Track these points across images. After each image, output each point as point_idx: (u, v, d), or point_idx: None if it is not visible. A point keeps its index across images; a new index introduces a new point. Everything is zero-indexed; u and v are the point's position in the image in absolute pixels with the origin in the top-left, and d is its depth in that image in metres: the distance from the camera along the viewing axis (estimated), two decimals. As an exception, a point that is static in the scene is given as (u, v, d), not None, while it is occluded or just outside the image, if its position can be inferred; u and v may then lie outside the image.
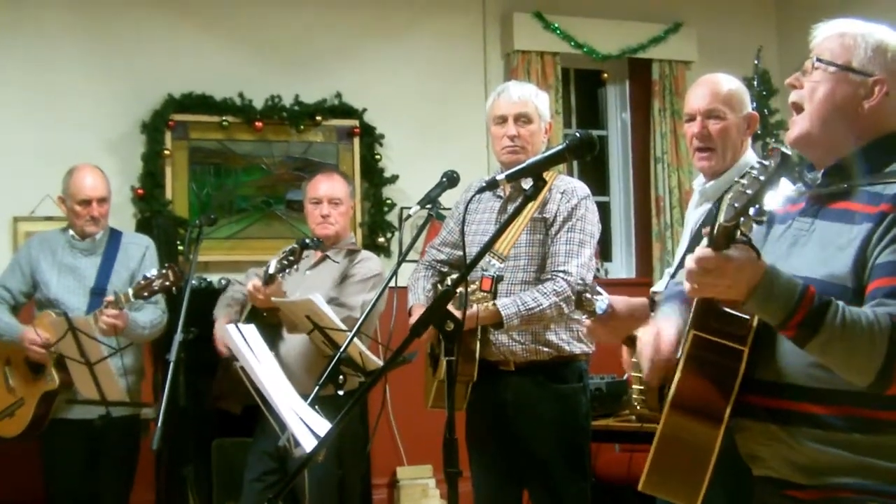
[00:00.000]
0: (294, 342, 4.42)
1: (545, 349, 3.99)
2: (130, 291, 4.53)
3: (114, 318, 4.51)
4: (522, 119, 4.06)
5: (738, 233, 2.02)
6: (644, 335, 2.52)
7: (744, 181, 2.00)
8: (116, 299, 4.53)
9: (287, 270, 4.26)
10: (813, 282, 2.14)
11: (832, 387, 2.16)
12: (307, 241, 4.37)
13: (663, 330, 2.48)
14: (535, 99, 4.12)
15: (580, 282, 3.45)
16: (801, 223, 2.32)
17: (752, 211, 1.97)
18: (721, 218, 2.02)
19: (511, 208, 4.07)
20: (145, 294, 4.53)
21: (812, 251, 2.25)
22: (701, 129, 3.40)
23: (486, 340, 3.94)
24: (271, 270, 4.25)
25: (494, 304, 3.84)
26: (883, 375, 2.06)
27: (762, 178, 1.97)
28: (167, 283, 4.51)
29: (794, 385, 2.21)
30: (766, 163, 1.99)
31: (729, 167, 3.38)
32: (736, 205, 1.98)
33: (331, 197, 4.63)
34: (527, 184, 3.00)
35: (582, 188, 4.08)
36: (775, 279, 2.07)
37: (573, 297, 3.87)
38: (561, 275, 3.90)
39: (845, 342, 2.05)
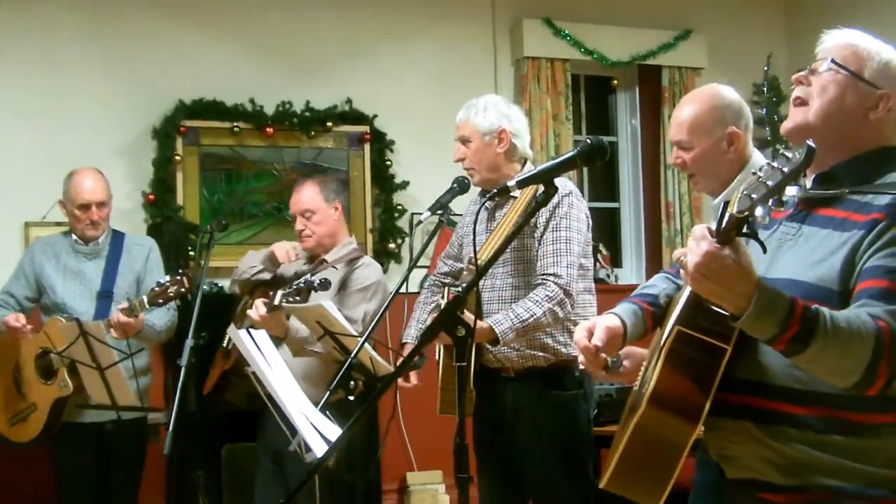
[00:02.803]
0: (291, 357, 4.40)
1: (541, 354, 3.97)
2: (145, 299, 4.53)
3: (125, 323, 4.51)
4: (466, 142, 4.11)
5: (746, 226, 1.99)
6: (580, 324, 2.57)
7: (761, 173, 1.97)
8: (131, 307, 4.53)
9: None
10: (800, 284, 2.16)
11: (814, 388, 2.17)
12: (316, 283, 4.29)
13: (598, 323, 2.53)
14: (472, 118, 4.10)
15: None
16: (787, 227, 2.34)
17: (771, 202, 1.93)
18: (733, 208, 1.99)
19: (498, 215, 4.09)
20: (160, 301, 4.52)
21: (800, 255, 2.26)
22: (675, 159, 3.43)
23: (480, 347, 3.91)
24: (276, 301, 4.23)
25: (487, 322, 3.79)
26: (866, 378, 2.07)
27: (786, 169, 1.94)
28: (182, 290, 4.51)
29: (776, 385, 2.22)
30: (790, 154, 1.96)
31: (720, 186, 3.36)
32: (753, 195, 1.95)
33: (301, 210, 4.62)
34: (514, 191, 3.04)
35: (563, 185, 3.99)
36: (766, 295, 2.06)
37: (566, 300, 3.87)
38: (551, 279, 3.86)
39: (835, 351, 2.06)
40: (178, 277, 4.52)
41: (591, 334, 2.50)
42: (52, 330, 4.64)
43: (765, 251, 2.09)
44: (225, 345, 4.73)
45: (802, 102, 2.36)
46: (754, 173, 1.99)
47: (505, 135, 4.08)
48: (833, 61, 2.33)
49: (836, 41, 2.39)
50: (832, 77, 2.33)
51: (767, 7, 8.00)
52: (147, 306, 4.54)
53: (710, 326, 2.21)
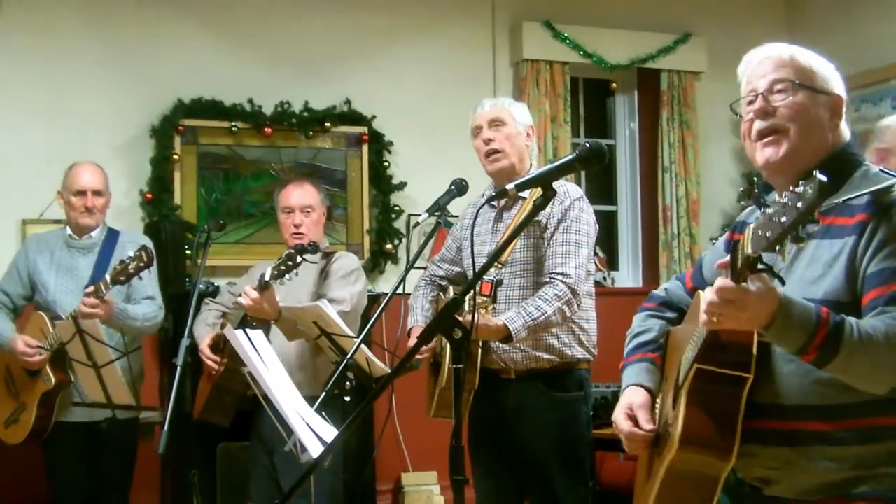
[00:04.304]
0: (283, 343, 4.41)
1: (546, 356, 3.98)
2: (108, 278, 4.51)
3: (92, 306, 4.49)
4: (496, 123, 4.11)
5: (760, 262, 1.99)
6: (617, 413, 2.52)
7: (770, 210, 1.94)
8: (96, 288, 4.51)
9: (287, 276, 4.23)
10: (811, 302, 2.14)
11: (836, 401, 2.17)
12: (307, 245, 4.35)
13: (635, 405, 2.49)
14: (508, 105, 4.18)
15: None
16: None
17: (789, 238, 1.90)
18: (748, 248, 1.97)
19: (507, 216, 4.10)
20: (122, 279, 4.49)
21: (798, 273, 2.26)
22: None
23: (486, 348, 3.94)
24: (267, 277, 4.23)
25: (500, 319, 3.80)
26: None
27: (800, 205, 1.88)
28: (141, 265, 4.48)
29: (798, 405, 2.22)
30: (800, 190, 1.89)
31: None
32: (768, 234, 1.92)
33: (303, 205, 4.65)
34: (523, 192, 3.05)
35: (574, 189, 4.07)
36: (791, 306, 2.06)
37: (573, 300, 3.89)
38: (559, 277, 3.88)
39: (866, 356, 2.06)
40: (138, 253, 4.51)
41: (633, 420, 2.48)
42: (41, 324, 4.63)
43: (783, 284, 2.08)
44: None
45: (776, 131, 2.34)
46: (763, 211, 1.98)
47: (532, 132, 4.20)
48: (796, 83, 2.33)
49: (769, 59, 2.39)
50: (798, 99, 2.33)
51: (767, 11, 8.00)
52: (111, 285, 4.51)
53: (729, 359, 2.22)
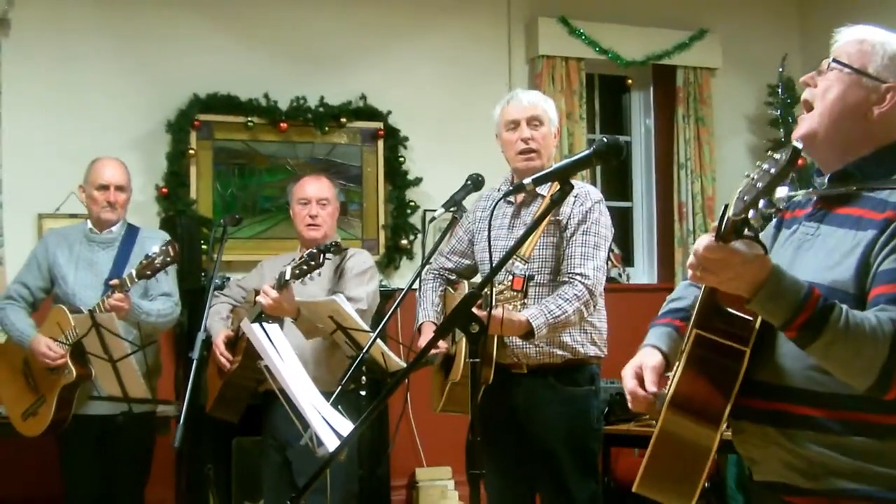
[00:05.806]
0: (301, 341, 4.40)
1: (559, 352, 4.00)
2: (134, 272, 4.52)
3: (119, 300, 4.51)
4: (535, 122, 4.09)
5: (746, 228, 2.01)
6: (626, 370, 2.49)
7: (754, 175, 1.99)
8: (122, 282, 4.52)
9: (309, 275, 4.22)
10: (818, 287, 2.14)
11: (832, 390, 2.16)
12: (330, 245, 4.34)
13: (645, 366, 2.46)
14: (543, 103, 4.16)
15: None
16: (806, 227, 2.33)
17: (762, 204, 1.96)
18: (730, 211, 2.01)
19: (525, 213, 4.09)
20: (148, 273, 4.50)
21: (817, 256, 2.26)
22: None
23: (501, 343, 3.94)
24: (287, 276, 4.22)
25: (524, 316, 3.80)
26: (882, 380, 2.06)
27: (773, 171, 1.96)
28: (168, 260, 4.50)
29: (792, 388, 2.22)
30: (777, 156, 1.98)
31: None
32: (746, 198, 1.97)
33: (319, 197, 4.65)
34: (542, 189, 3.01)
35: (595, 192, 4.09)
36: (781, 278, 2.07)
37: (591, 301, 3.91)
38: (578, 278, 3.91)
39: (848, 345, 2.06)
40: (165, 248, 4.52)
41: (640, 379, 2.44)
42: (60, 318, 4.64)
43: (766, 251, 2.08)
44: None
45: (810, 106, 2.35)
46: (746, 175, 2.02)
47: (558, 132, 4.20)
48: (835, 60, 2.32)
49: (845, 38, 2.37)
50: (836, 76, 2.32)
51: (782, 7, 7.98)
52: (136, 279, 4.53)
53: (727, 328, 2.22)
